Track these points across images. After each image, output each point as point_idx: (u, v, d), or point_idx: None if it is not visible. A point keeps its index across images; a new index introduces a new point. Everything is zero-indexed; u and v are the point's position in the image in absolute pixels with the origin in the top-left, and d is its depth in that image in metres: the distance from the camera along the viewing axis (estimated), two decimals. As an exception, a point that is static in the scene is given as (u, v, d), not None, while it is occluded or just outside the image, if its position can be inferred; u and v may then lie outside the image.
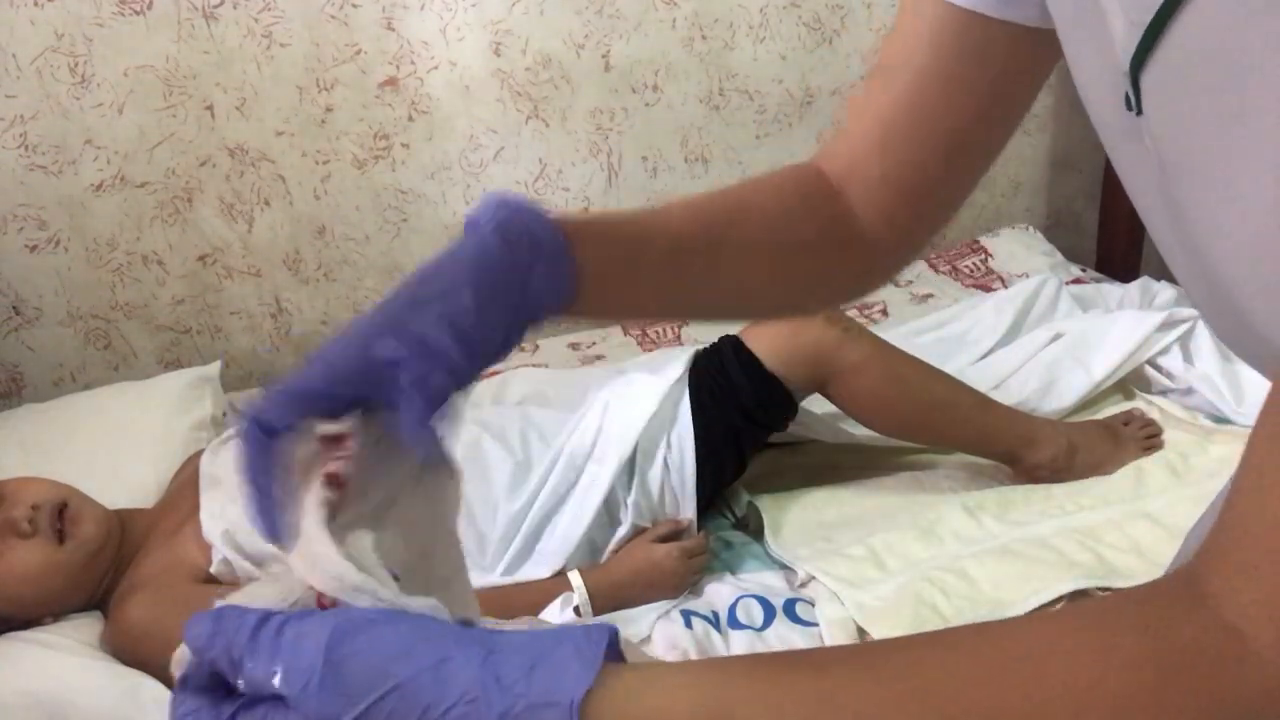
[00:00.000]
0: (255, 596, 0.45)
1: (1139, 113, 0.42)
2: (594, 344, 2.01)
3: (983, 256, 2.18)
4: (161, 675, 1.15)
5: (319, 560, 0.44)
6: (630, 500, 1.32)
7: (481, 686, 0.39)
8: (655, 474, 1.33)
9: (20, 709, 1.08)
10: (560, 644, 0.40)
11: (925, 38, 0.57)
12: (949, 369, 1.49)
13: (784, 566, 1.33)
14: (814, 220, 0.61)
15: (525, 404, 1.58)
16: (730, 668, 0.43)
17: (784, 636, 1.20)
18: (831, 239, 0.62)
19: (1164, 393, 1.58)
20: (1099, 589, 1.20)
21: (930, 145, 0.59)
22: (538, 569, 1.28)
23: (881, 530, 1.32)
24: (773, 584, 1.30)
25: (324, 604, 0.44)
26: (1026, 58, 0.56)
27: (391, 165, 1.96)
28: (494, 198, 0.53)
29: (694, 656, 1.16)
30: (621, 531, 1.31)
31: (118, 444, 1.56)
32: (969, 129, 0.59)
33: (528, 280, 0.52)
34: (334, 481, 0.46)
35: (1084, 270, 2.09)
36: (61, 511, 1.24)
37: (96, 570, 1.26)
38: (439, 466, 0.50)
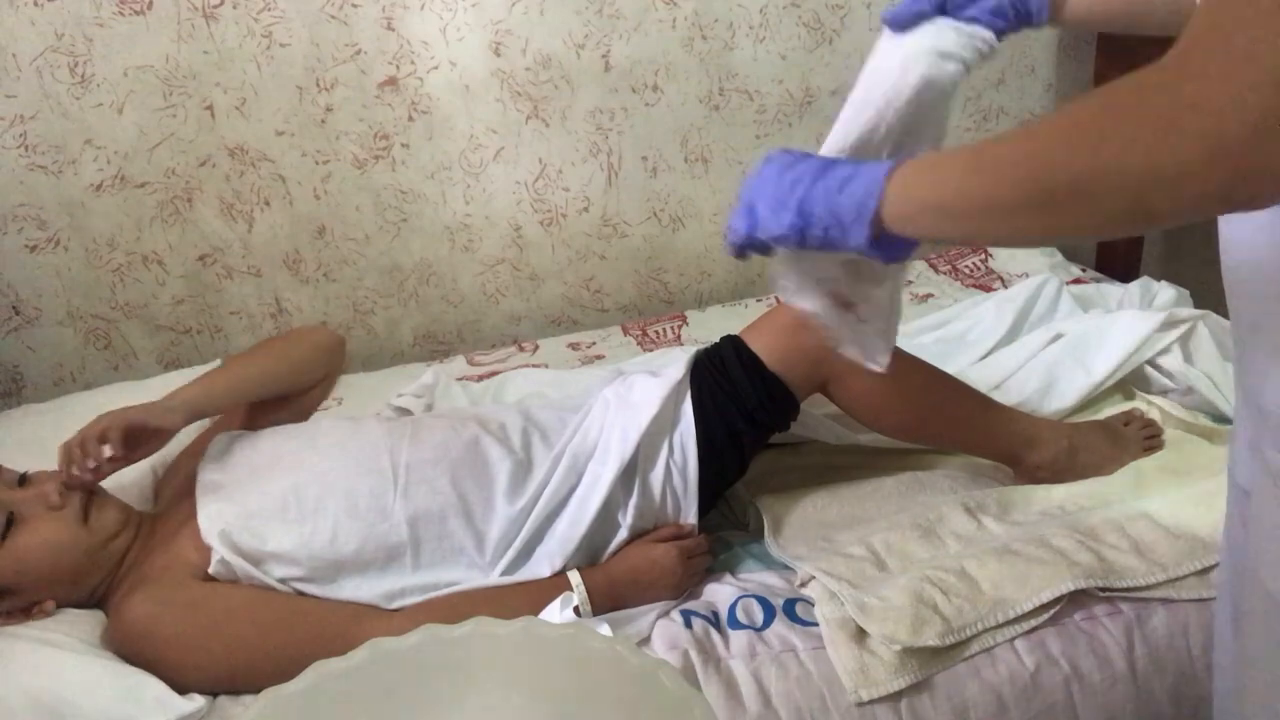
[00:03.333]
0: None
1: None
2: (594, 344, 2.01)
3: (983, 256, 2.18)
4: (162, 673, 1.15)
5: None
6: (631, 504, 1.31)
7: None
8: (657, 476, 1.33)
9: (21, 707, 1.08)
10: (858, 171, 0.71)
11: None
12: (949, 369, 1.49)
13: (784, 566, 1.33)
14: None
15: (525, 403, 1.58)
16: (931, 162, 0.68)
17: (784, 636, 1.20)
18: None
19: (1164, 393, 1.58)
20: (1099, 589, 1.20)
21: None
22: (538, 569, 1.28)
23: (881, 530, 1.32)
24: (773, 584, 1.30)
25: None
26: None
27: (391, 165, 1.96)
28: None
29: (694, 656, 1.16)
30: (621, 535, 1.31)
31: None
32: None
33: None
34: None
35: (1084, 270, 2.09)
36: (90, 495, 1.28)
37: (108, 558, 1.27)
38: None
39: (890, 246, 0.71)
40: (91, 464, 1.24)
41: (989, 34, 0.89)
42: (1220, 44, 0.50)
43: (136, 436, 1.27)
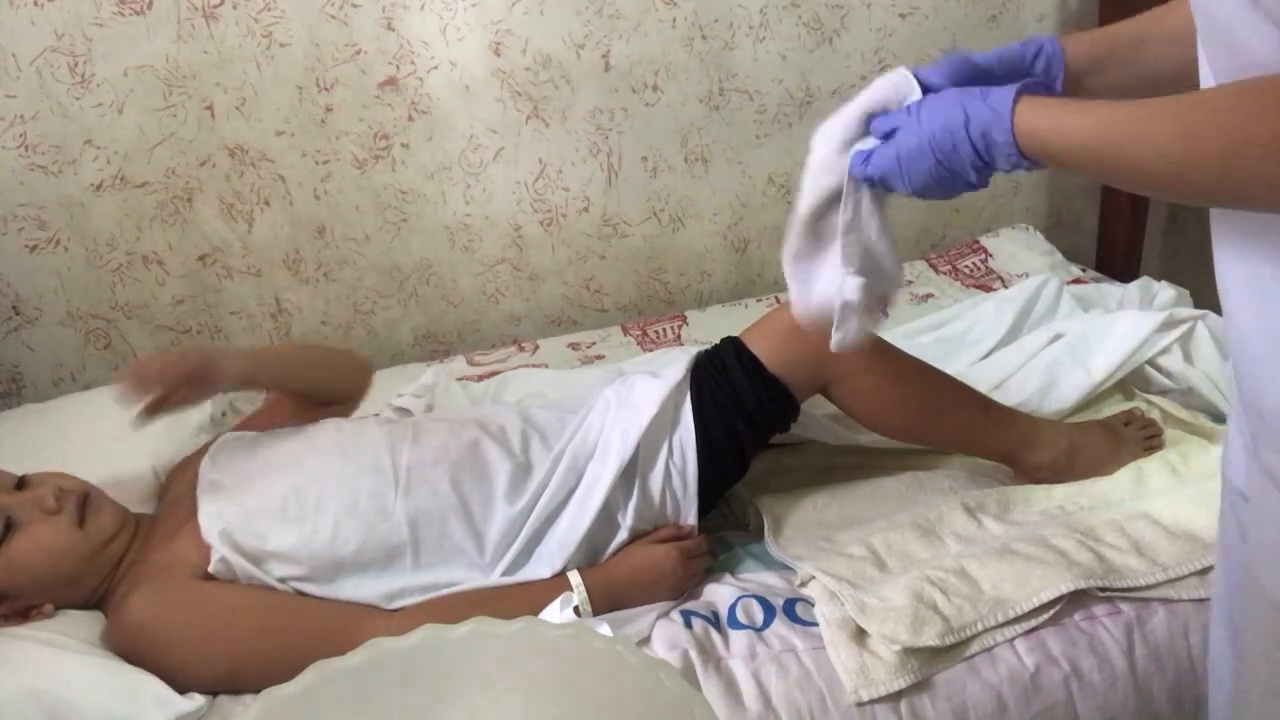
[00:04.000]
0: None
1: None
2: (594, 344, 2.01)
3: (983, 256, 2.18)
4: (162, 672, 1.15)
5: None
6: (630, 505, 1.31)
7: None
8: (657, 477, 1.33)
9: (21, 706, 1.08)
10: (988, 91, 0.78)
11: None
12: (949, 370, 1.49)
13: (784, 566, 1.33)
14: None
15: (525, 404, 1.58)
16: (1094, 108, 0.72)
17: (784, 636, 1.20)
18: None
19: (1164, 393, 1.58)
20: (1099, 589, 1.20)
21: None
22: (538, 569, 1.28)
23: (881, 530, 1.32)
24: (773, 584, 1.30)
25: None
26: None
27: (391, 165, 1.96)
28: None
29: (694, 656, 1.16)
30: (621, 537, 1.31)
31: (117, 444, 1.56)
32: None
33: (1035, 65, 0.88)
34: None
35: (1084, 270, 2.09)
36: (85, 500, 1.28)
37: (104, 562, 1.27)
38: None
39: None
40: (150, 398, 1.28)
41: None
42: None
43: (199, 380, 1.30)
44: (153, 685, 1.13)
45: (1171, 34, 0.84)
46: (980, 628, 1.16)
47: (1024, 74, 0.88)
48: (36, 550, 1.22)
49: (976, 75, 0.87)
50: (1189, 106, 0.65)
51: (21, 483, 1.29)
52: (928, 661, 1.14)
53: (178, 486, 1.43)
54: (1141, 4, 0.88)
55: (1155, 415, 1.51)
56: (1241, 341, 0.73)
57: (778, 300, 2.09)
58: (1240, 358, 0.74)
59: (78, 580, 1.26)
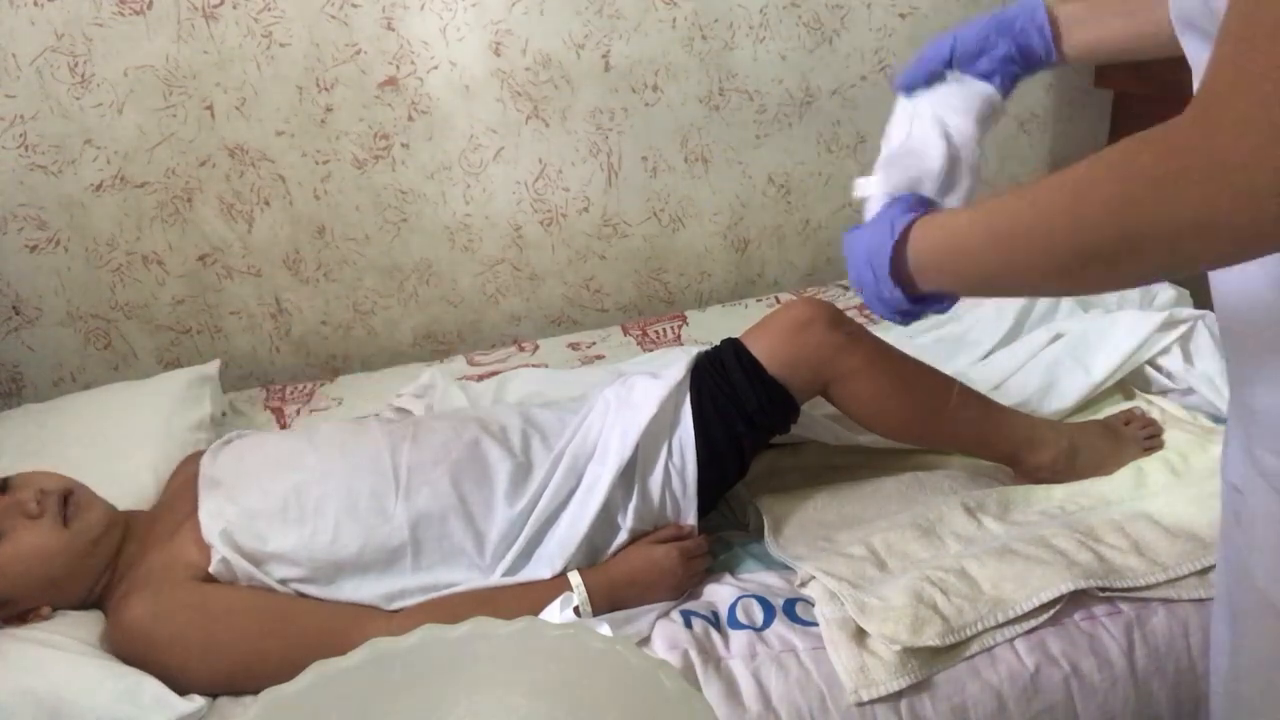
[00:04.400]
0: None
1: None
2: (594, 344, 2.01)
3: (983, 256, 2.18)
4: (162, 673, 1.15)
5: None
6: (630, 506, 1.31)
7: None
8: (656, 478, 1.33)
9: (20, 707, 1.08)
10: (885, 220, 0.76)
11: None
12: (949, 370, 1.49)
13: (784, 566, 1.33)
14: None
15: (525, 404, 1.58)
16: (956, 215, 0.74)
17: (784, 636, 1.20)
18: None
19: (1164, 393, 1.58)
20: (1099, 589, 1.20)
21: None
22: (537, 570, 1.28)
23: (881, 530, 1.32)
24: (773, 584, 1.30)
25: None
26: None
27: (391, 165, 1.96)
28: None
29: (694, 656, 1.16)
30: (621, 538, 1.31)
31: (118, 444, 1.56)
32: None
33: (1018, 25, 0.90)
34: None
35: (1084, 270, 2.09)
36: (67, 499, 1.27)
37: (96, 560, 1.26)
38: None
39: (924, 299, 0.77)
40: None
41: (990, 89, 0.91)
42: (1244, 99, 0.49)
43: None
44: (152, 686, 1.13)
45: None
46: (980, 628, 1.16)
47: (1011, 32, 0.91)
48: (23, 556, 1.21)
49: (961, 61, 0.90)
50: (1069, 179, 0.61)
51: (4, 486, 1.28)
52: (928, 661, 1.14)
53: (175, 483, 1.43)
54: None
55: (1155, 415, 1.51)
56: (1234, 341, 0.74)
57: (778, 300, 2.09)
58: (1233, 357, 0.75)
59: (71, 580, 1.25)
